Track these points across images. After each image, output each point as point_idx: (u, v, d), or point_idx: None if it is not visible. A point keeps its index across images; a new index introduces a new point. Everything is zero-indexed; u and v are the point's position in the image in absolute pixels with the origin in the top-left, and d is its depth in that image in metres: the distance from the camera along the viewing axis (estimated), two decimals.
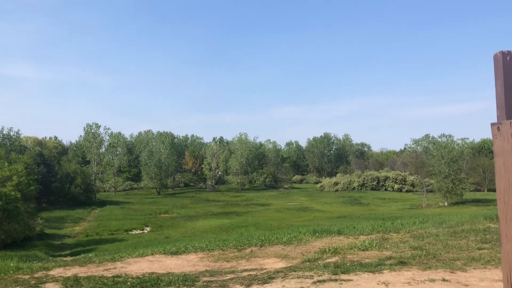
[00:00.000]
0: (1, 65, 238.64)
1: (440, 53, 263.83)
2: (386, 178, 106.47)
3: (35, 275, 12.31)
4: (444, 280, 8.59)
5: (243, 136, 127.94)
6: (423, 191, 73.83)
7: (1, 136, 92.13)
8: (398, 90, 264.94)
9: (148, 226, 52.24)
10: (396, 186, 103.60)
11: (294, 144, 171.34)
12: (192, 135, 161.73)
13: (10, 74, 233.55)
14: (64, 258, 21.12)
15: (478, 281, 8.55)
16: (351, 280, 8.97)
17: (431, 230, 16.47)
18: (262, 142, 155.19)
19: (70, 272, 12.87)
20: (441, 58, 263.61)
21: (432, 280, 8.59)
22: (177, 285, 9.75)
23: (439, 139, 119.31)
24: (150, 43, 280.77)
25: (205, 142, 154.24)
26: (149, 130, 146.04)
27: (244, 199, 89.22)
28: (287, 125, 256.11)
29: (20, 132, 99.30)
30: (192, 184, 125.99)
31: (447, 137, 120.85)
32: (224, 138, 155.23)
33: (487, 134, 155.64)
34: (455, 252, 11.75)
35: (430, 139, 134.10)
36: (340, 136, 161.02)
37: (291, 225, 39.61)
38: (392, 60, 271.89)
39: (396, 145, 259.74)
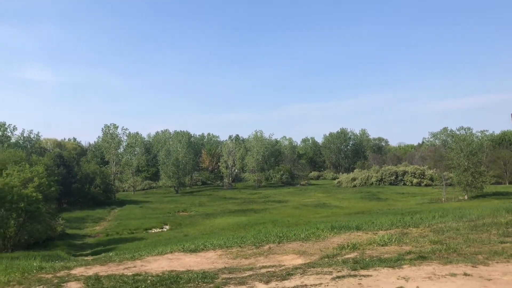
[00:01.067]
0: (20, 69, 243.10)
1: (458, 45, 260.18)
2: (405, 173, 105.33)
3: (58, 274, 12.52)
4: (465, 274, 8.47)
5: (259, 133, 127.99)
6: (442, 185, 72.82)
7: (21, 138, 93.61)
8: (415, 84, 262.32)
9: (167, 225, 52.62)
10: (414, 181, 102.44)
11: (310, 140, 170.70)
12: (208, 134, 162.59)
13: (29, 77, 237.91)
14: (85, 258, 21.43)
15: (501, 275, 8.41)
16: (371, 275, 8.90)
17: (451, 224, 16.25)
18: (278, 139, 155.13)
19: (91, 271, 13.05)
20: (460, 50, 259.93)
21: (454, 275, 8.48)
22: (197, 282, 9.80)
23: (458, 132, 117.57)
24: (167, 42, 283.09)
25: (221, 140, 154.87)
26: (166, 130, 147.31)
27: (261, 196, 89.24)
28: (302, 122, 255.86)
29: (40, 135, 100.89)
30: (209, 182, 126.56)
31: (466, 129, 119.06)
32: (240, 136, 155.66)
33: (507, 126, 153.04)
34: (476, 246, 11.56)
35: (448, 132, 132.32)
36: (357, 131, 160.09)
37: (309, 222, 39.46)
38: (409, 53, 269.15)
39: (414, 139, 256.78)
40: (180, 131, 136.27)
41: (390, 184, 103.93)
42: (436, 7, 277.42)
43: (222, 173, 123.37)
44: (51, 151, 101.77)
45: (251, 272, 10.73)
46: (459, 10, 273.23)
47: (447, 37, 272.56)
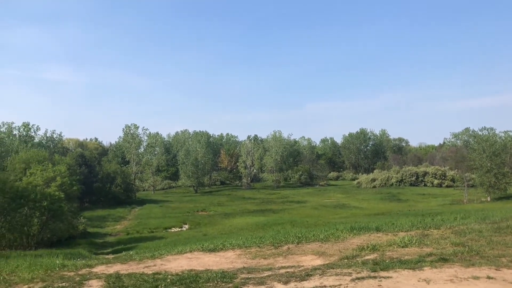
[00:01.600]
0: (43, 70, 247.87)
1: (482, 42, 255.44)
2: (425, 174, 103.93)
3: (80, 272, 12.73)
4: (489, 277, 8.33)
5: (277, 133, 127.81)
6: (464, 186, 71.58)
7: (45, 138, 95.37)
8: (436, 83, 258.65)
9: (186, 224, 52.99)
10: (435, 182, 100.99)
11: (329, 140, 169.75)
12: (227, 134, 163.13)
13: (52, 78, 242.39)
14: (106, 256, 21.73)
15: None
16: (391, 277, 8.82)
17: (474, 226, 15.97)
18: (297, 139, 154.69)
19: (112, 269, 13.23)
20: (483, 47, 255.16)
21: (476, 278, 8.34)
22: (216, 282, 9.85)
23: (480, 133, 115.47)
24: (187, 43, 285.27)
25: (240, 140, 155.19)
26: (186, 130, 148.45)
27: (280, 196, 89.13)
28: (321, 122, 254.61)
29: (62, 135, 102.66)
30: (228, 182, 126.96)
31: (489, 130, 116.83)
32: (258, 136, 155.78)
33: None
34: (500, 249, 11.34)
35: (470, 132, 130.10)
36: (377, 131, 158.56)
37: (328, 222, 39.23)
38: (429, 52, 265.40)
39: (435, 140, 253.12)
40: (199, 131, 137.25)
41: (411, 185, 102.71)
42: (458, 4, 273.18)
43: (241, 173, 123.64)
44: (73, 150, 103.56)
45: (270, 273, 10.74)
46: (482, 7, 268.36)
47: (470, 35, 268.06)
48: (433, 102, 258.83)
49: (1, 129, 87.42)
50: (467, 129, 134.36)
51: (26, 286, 11.10)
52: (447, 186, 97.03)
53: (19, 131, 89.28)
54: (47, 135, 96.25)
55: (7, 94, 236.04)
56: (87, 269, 13.45)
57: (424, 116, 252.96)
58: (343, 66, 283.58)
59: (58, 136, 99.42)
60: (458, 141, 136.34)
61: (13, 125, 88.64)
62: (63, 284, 10.67)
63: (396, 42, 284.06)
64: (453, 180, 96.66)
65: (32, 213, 36.19)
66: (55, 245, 35.75)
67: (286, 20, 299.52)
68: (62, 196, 39.34)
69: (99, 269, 13.41)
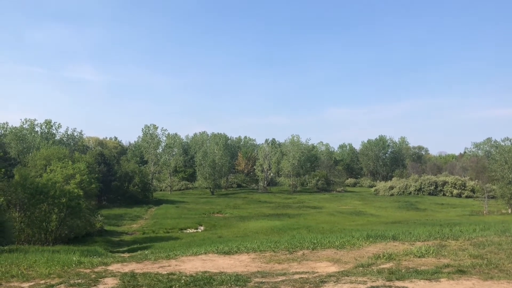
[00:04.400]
0: (66, 69, 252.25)
1: (502, 51, 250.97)
2: (445, 183, 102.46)
3: (95, 270, 12.87)
4: None
5: (295, 138, 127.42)
6: (484, 197, 70.31)
7: (65, 136, 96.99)
8: (457, 91, 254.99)
9: (201, 226, 53.20)
10: (455, 192, 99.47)
11: (348, 146, 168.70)
12: (245, 137, 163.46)
13: (74, 77, 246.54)
14: (122, 254, 21.93)
15: None
16: (406, 287, 8.71)
17: (493, 238, 15.64)
18: (315, 144, 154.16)
19: (127, 268, 13.34)
20: (503, 57, 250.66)
21: None
22: (229, 285, 9.85)
23: (502, 143, 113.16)
24: (207, 44, 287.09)
25: (258, 143, 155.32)
26: (204, 132, 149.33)
27: (296, 201, 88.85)
28: (340, 127, 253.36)
29: (83, 133, 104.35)
30: (244, 185, 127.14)
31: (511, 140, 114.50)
32: (276, 139, 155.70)
33: None
34: None
35: (492, 143, 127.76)
36: (396, 138, 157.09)
37: (344, 229, 38.97)
38: (450, 59, 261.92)
39: (455, 149, 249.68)
40: (218, 133, 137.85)
41: (429, 194, 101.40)
42: (481, 11, 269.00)
43: (258, 176, 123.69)
44: (93, 149, 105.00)
45: (284, 278, 10.70)
46: (503, 14, 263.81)
47: (491, 43, 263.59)
48: (454, 111, 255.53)
49: (24, 126, 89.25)
50: (489, 139, 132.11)
51: (43, 281, 11.26)
52: (466, 197, 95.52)
53: (41, 128, 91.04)
54: (68, 132, 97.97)
55: (30, 92, 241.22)
56: (103, 266, 13.59)
57: (445, 125, 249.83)
58: (364, 72, 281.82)
59: (78, 134, 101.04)
60: (479, 151, 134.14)
61: (36, 122, 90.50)
62: (79, 280, 10.80)
63: (419, 49, 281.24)
64: (473, 190, 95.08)
65: (51, 209, 36.80)
66: (72, 242, 36.24)
67: (310, 23, 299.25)
68: (81, 193, 39.94)
69: (114, 267, 13.54)
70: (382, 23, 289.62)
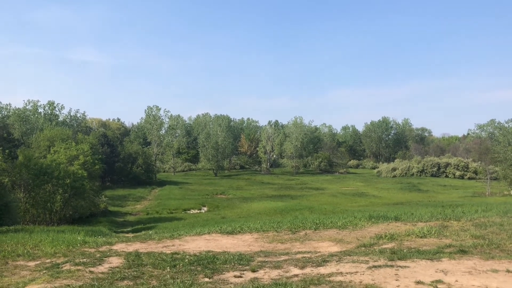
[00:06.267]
0: (68, 50, 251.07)
1: (506, 32, 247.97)
2: (447, 165, 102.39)
3: (100, 249, 13.03)
4: (508, 271, 8.22)
5: (298, 119, 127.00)
6: (487, 179, 70.35)
7: (69, 117, 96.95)
8: (461, 72, 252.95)
9: (205, 206, 53.54)
10: (457, 173, 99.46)
11: (351, 128, 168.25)
12: (248, 119, 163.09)
13: (77, 58, 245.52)
14: (126, 235, 22.14)
15: None
16: (408, 267, 8.78)
17: (495, 219, 15.70)
18: (318, 126, 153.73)
19: (132, 247, 13.50)
20: (507, 38, 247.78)
21: (495, 271, 8.24)
22: (233, 263, 9.96)
23: (506, 125, 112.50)
24: (210, 25, 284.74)
25: (261, 125, 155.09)
26: (207, 113, 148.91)
27: (299, 182, 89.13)
28: (343, 109, 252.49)
29: (86, 114, 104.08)
30: (247, 166, 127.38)
31: None
32: (279, 121, 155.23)
33: None
34: None
35: (496, 124, 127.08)
36: (399, 120, 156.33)
37: (346, 210, 39.17)
38: (455, 40, 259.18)
39: (458, 131, 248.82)
40: (220, 115, 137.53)
41: (432, 175, 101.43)
42: None
43: (260, 158, 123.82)
44: (96, 130, 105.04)
45: (286, 257, 10.81)
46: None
47: (498, 26, 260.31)
48: (458, 92, 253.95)
49: (27, 107, 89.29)
50: (492, 121, 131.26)
51: (49, 260, 11.42)
52: (469, 178, 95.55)
53: (44, 110, 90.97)
54: (71, 114, 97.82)
55: (33, 72, 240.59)
56: (107, 246, 13.75)
57: (448, 106, 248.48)
58: (368, 54, 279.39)
59: (81, 116, 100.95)
60: (482, 133, 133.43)
61: (39, 103, 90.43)
62: (84, 259, 10.94)
63: (422, 31, 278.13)
64: (475, 172, 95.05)
65: (55, 190, 37.09)
66: (76, 222, 36.57)
67: (314, 6, 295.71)
68: (85, 174, 40.17)
69: (119, 246, 13.70)
70: (385, 4, 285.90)
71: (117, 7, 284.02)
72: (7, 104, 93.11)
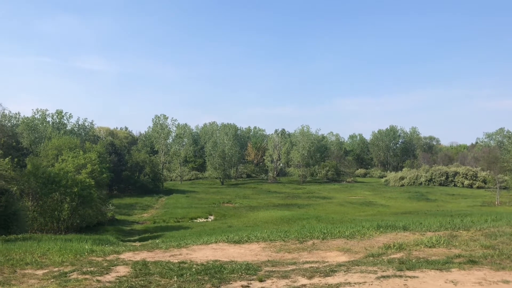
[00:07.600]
0: (76, 59, 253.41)
1: None
2: (456, 174, 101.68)
3: (107, 258, 13.04)
4: None
5: (305, 128, 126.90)
6: (496, 188, 69.74)
7: (77, 126, 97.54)
8: (469, 81, 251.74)
9: (212, 215, 53.45)
10: (466, 182, 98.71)
11: (358, 136, 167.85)
12: (255, 127, 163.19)
13: (85, 67, 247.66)
14: (133, 243, 22.17)
15: None
16: (417, 277, 8.70)
17: (505, 229, 15.52)
18: (325, 135, 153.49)
19: (139, 256, 13.49)
20: None
21: (506, 282, 8.14)
22: (240, 273, 9.92)
23: None
24: (216, 34, 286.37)
25: (267, 134, 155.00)
26: (214, 122, 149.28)
27: (306, 191, 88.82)
28: (350, 118, 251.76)
29: (93, 123, 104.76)
30: (254, 175, 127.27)
31: None
32: (286, 130, 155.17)
33: None
34: None
35: (505, 133, 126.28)
36: (407, 129, 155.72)
37: (354, 219, 38.95)
38: (462, 49, 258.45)
39: (467, 139, 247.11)
40: (227, 123, 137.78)
41: (440, 184, 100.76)
42: (486, 5, 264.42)
43: (267, 166, 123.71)
44: (103, 139, 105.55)
45: (294, 267, 10.74)
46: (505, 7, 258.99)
47: (503, 34, 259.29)
48: (466, 101, 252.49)
49: (35, 116, 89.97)
50: (501, 129, 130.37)
51: (57, 268, 11.43)
52: (478, 187, 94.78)
53: (52, 118, 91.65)
54: (79, 122, 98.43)
55: (41, 82, 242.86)
56: (115, 255, 13.76)
57: (456, 115, 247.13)
58: (375, 62, 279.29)
59: (89, 124, 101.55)
60: (491, 141, 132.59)
61: (47, 112, 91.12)
62: (92, 268, 10.95)
63: (430, 39, 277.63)
64: (484, 181, 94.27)
65: (63, 199, 37.22)
66: (84, 231, 36.62)
67: (318, 13, 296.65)
68: (92, 183, 40.27)
69: (126, 255, 13.70)
70: (393, 12, 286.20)
71: (123, 17, 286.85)
72: (16, 113, 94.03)
